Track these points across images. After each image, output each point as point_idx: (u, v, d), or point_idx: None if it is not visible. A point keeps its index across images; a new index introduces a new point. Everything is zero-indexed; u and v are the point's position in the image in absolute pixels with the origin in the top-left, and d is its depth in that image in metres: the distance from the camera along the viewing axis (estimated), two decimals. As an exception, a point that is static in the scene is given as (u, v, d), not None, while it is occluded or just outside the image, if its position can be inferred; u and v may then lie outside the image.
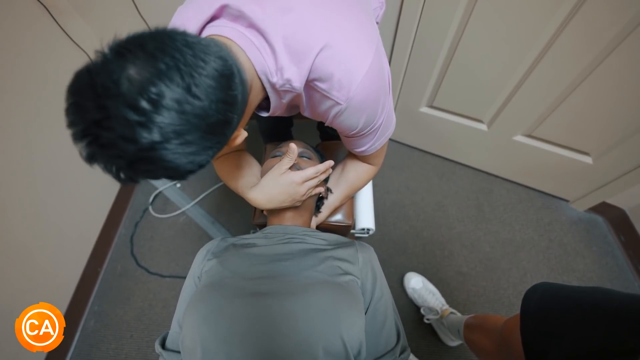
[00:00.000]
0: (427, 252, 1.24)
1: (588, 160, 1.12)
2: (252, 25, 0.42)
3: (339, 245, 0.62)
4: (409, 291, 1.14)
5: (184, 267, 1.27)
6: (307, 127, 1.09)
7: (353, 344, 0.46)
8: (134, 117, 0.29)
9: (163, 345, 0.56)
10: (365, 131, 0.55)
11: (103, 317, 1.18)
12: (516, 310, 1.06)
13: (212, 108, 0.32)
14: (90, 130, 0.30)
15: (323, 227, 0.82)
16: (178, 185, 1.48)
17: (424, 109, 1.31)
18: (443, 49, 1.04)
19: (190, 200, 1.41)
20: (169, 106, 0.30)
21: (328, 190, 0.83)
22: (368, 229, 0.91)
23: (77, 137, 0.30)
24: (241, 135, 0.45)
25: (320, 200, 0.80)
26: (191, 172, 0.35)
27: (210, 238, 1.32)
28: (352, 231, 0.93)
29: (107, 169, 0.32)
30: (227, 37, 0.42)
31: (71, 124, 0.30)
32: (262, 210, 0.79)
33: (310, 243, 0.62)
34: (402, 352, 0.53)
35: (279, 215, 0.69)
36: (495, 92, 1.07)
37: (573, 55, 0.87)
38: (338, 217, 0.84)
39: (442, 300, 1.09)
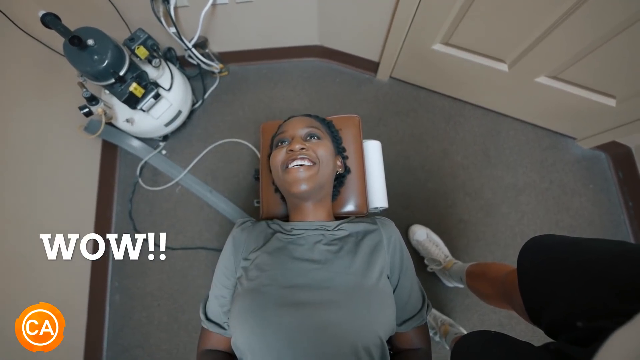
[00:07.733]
0: (430, 204, 1.26)
1: (612, 102, 1.03)
2: None
3: (365, 234, 0.63)
4: (414, 243, 1.20)
5: (193, 238, 1.27)
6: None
7: (386, 333, 0.54)
8: None
9: (207, 316, 0.63)
10: None
11: (126, 291, 1.24)
12: (510, 250, 1.19)
13: None
14: None
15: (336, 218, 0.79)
16: (164, 152, 1.35)
17: (438, 47, 1.11)
18: (473, -23, 0.80)
19: (181, 169, 1.31)
20: None
21: (346, 166, 0.77)
22: (381, 207, 0.89)
23: None
24: None
25: (338, 179, 0.75)
26: None
27: (210, 207, 1.29)
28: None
29: None
30: None
31: None
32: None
33: (337, 240, 0.62)
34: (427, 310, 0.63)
35: (300, 210, 0.67)
36: (526, 32, 0.89)
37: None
38: (350, 207, 0.80)
39: (446, 250, 1.16)
